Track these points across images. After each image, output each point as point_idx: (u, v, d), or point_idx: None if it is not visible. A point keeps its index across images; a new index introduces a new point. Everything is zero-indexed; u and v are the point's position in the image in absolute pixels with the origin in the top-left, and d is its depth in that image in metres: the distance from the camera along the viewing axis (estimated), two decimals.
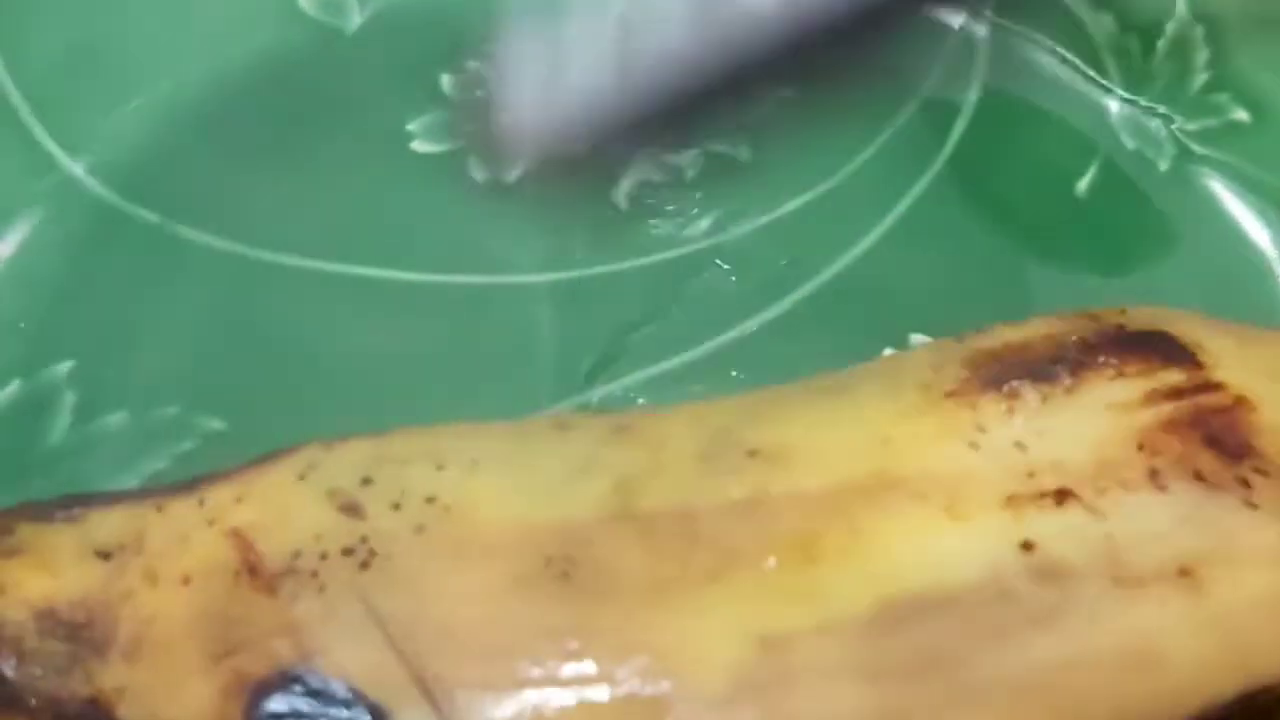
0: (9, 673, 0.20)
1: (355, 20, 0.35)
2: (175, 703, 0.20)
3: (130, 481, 0.29)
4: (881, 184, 0.32)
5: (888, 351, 0.29)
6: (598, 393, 0.29)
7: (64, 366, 0.30)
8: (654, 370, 0.30)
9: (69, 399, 0.30)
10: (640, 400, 0.29)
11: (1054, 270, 0.31)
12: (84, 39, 0.34)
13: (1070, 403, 0.22)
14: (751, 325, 0.30)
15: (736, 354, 0.30)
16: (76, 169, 0.33)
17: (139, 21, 0.34)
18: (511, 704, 0.19)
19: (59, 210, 0.32)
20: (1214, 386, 0.22)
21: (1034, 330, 0.23)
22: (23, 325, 0.31)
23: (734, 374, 0.30)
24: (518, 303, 0.31)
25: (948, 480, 0.21)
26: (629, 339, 0.30)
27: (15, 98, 0.33)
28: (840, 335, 0.30)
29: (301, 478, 0.22)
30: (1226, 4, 0.33)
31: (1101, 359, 0.22)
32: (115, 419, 0.30)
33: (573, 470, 0.22)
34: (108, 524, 0.22)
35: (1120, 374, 0.22)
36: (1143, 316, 0.23)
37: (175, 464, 0.29)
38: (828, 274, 0.31)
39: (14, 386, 0.30)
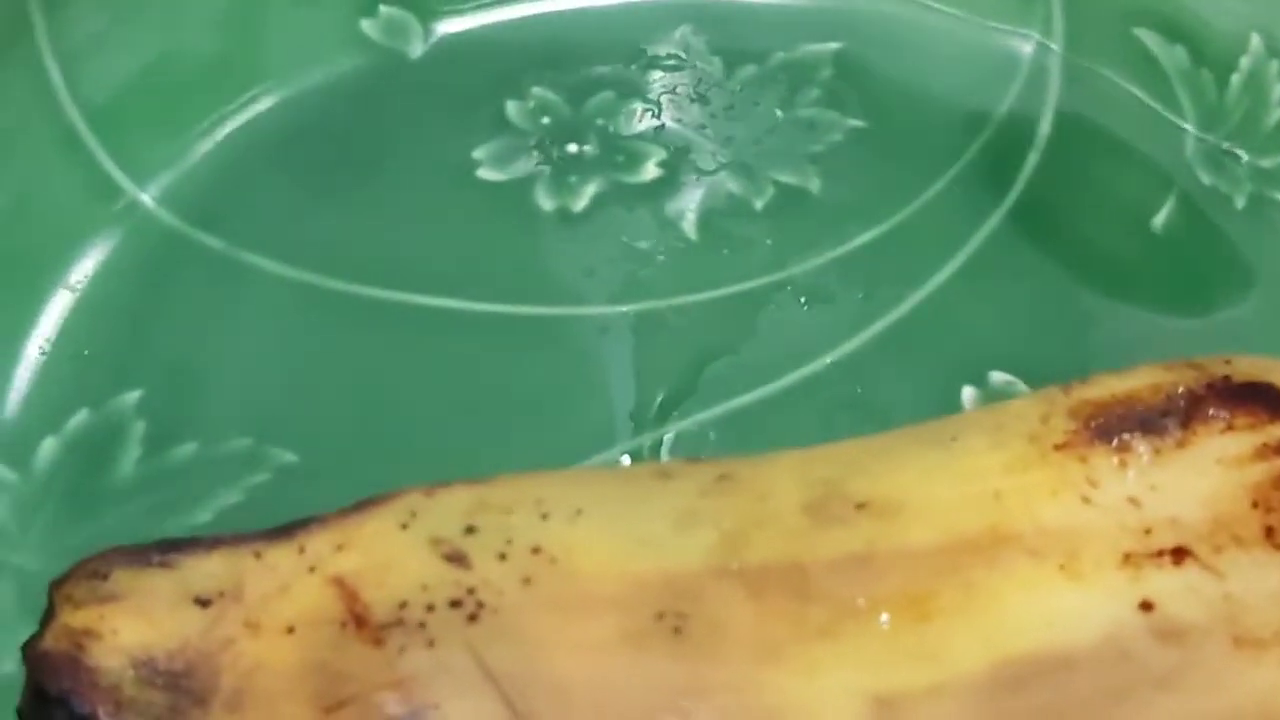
0: None
1: (419, 47, 0.35)
2: None
3: (203, 515, 0.28)
4: (954, 217, 0.32)
5: (967, 389, 0.29)
6: (671, 429, 0.29)
7: (133, 396, 0.30)
8: (728, 406, 0.30)
9: (138, 429, 0.30)
10: (713, 436, 0.29)
11: (1130, 306, 0.31)
12: (149, 65, 0.33)
13: (1181, 457, 0.21)
14: (826, 360, 0.30)
15: (811, 390, 0.30)
16: (144, 197, 0.33)
17: (204, 48, 0.34)
18: None
19: (126, 238, 0.32)
20: None
21: (1139, 380, 0.23)
22: (87, 353, 0.31)
23: (811, 410, 0.29)
24: (588, 335, 0.31)
25: (1062, 537, 0.21)
26: (702, 373, 0.30)
27: (81, 126, 0.33)
28: (918, 371, 0.30)
29: (404, 526, 0.21)
30: None
31: (1211, 411, 0.22)
32: (186, 450, 0.29)
33: (678, 520, 0.21)
34: (205, 570, 0.21)
35: (1230, 427, 0.22)
36: (1247, 366, 0.23)
37: (248, 496, 0.29)
38: (903, 309, 0.31)
39: (82, 415, 0.30)
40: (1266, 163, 0.32)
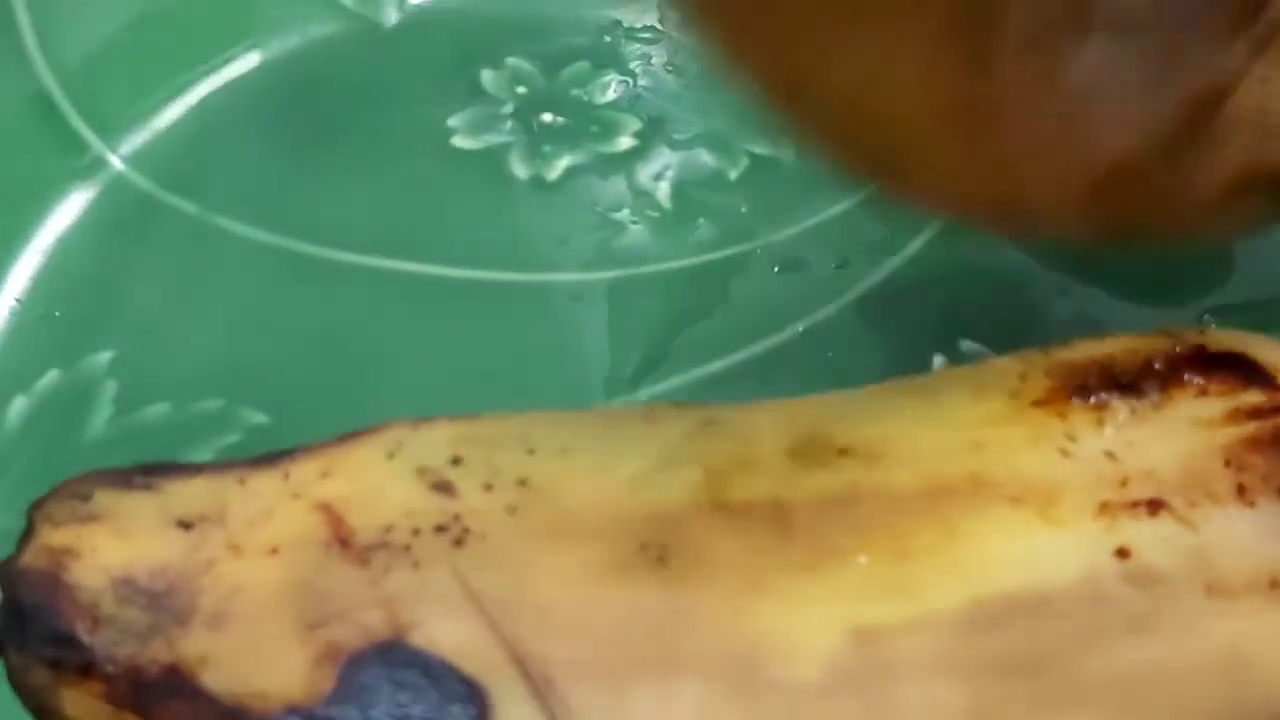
0: (85, 639, 0.20)
1: (393, 15, 0.35)
2: (264, 671, 0.19)
3: None
4: None
5: (939, 358, 0.30)
6: (643, 394, 0.29)
7: (104, 356, 0.30)
8: (701, 372, 0.30)
9: (110, 389, 0.30)
10: (687, 401, 0.29)
11: (1104, 278, 0.31)
12: (123, 28, 0.34)
13: (1158, 417, 0.22)
14: (799, 327, 0.30)
15: (785, 357, 0.30)
16: (116, 159, 0.33)
17: (179, 11, 0.34)
18: (609, 687, 0.19)
19: (99, 200, 0.32)
20: None
21: (1116, 346, 0.23)
22: (58, 314, 0.30)
23: (783, 378, 0.29)
24: (562, 301, 0.31)
25: (1041, 485, 0.21)
26: (675, 340, 0.30)
27: (53, 88, 0.33)
28: (890, 340, 0.30)
29: (390, 455, 0.21)
30: None
31: (1186, 376, 0.23)
32: (157, 410, 0.29)
33: (663, 459, 0.22)
34: (188, 494, 0.21)
35: (1204, 392, 0.22)
36: (1221, 337, 0.23)
37: (219, 457, 0.28)
38: (875, 278, 0.31)
39: (52, 375, 0.30)
40: None
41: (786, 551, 0.20)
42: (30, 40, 0.33)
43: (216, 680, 0.19)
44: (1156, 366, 0.23)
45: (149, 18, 0.34)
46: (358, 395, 0.29)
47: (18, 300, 0.31)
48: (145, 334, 0.30)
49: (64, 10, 0.33)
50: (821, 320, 0.30)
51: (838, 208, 0.32)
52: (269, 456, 0.22)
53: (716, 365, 0.30)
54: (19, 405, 0.29)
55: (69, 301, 0.30)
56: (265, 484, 0.21)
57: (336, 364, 0.30)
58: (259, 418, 0.29)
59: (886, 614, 0.20)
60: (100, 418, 0.29)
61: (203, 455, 0.29)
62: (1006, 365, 0.23)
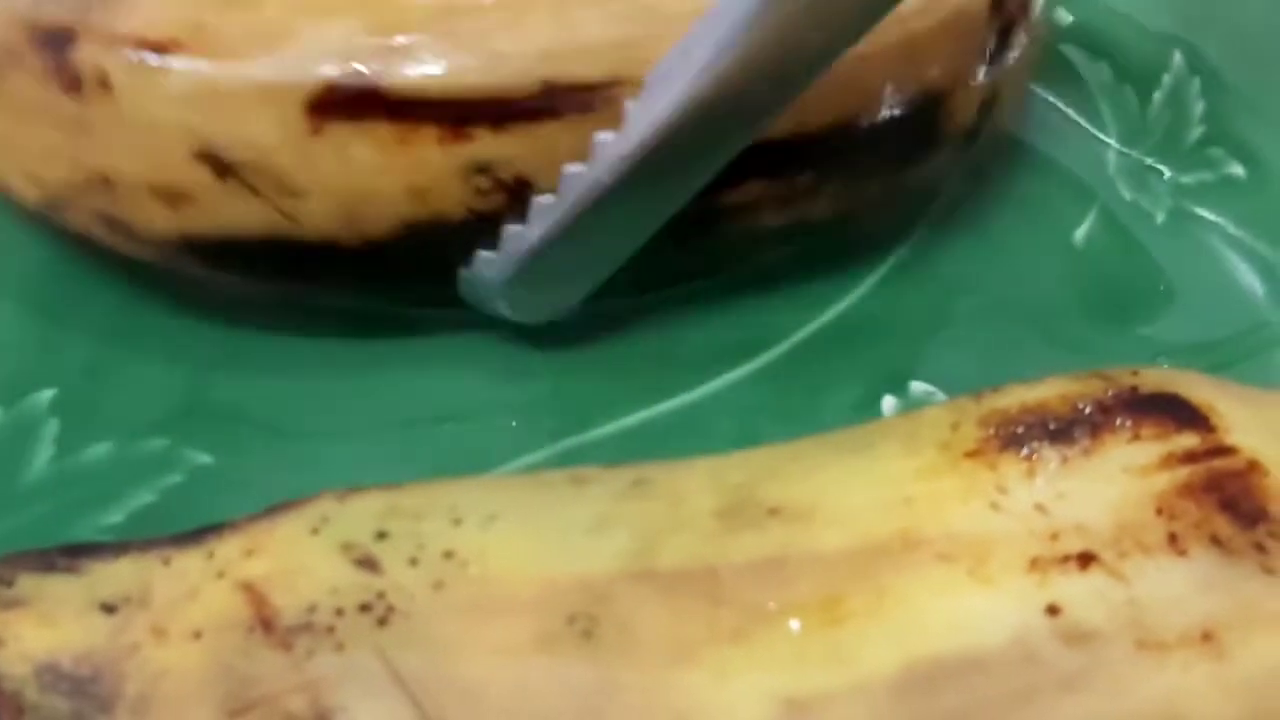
0: None
1: None
2: None
3: (116, 516, 0.28)
4: (878, 228, 0.32)
5: (888, 399, 0.29)
6: (590, 435, 0.29)
7: (46, 394, 0.30)
8: (649, 413, 0.30)
9: (51, 427, 0.29)
10: (633, 442, 0.29)
11: (1050, 317, 0.31)
12: None
13: (1089, 465, 0.22)
14: (746, 370, 0.30)
15: (733, 396, 0.30)
16: None
17: None
18: None
19: (40, 234, 0.32)
20: (1227, 450, 0.22)
21: (1048, 390, 0.23)
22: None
23: (730, 417, 0.29)
24: (482, 353, 0.31)
25: (971, 542, 0.21)
26: (622, 380, 0.30)
27: None
28: (839, 380, 0.30)
29: (315, 531, 0.21)
30: (1222, 58, 0.33)
31: (1118, 421, 0.22)
32: (99, 449, 0.29)
33: (591, 525, 0.21)
34: (112, 576, 0.21)
35: (1136, 437, 0.22)
36: (1154, 378, 0.23)
37: (162, 498, 0.28)
38: (825, 318, 0.31)
39: None
40: (1187, 179, 0.33)
41: (716, 619, 0.20)
42: None
43: None
44: (1088, 411, 0.22)
45: None
46: (301, 433, 0.29)
47: None
48: (88, 372, 0.30)
49: None
50: (771, 360, 0.30)
51: (787, 249, 0.31)
52: (196, 533, 0.22)
53: (665, 405, 0.29)
54: None
55: (10, 339, 0.30)
56: (189, 563, 0.21)
57: (278, 406, 0.30)
58: (203, 458, 0.29)
59: (818, 682, 0.20)
60: (42, 457, 0.29)
61: (146, 496, 0.28)
62: (939, 414, 0.23)
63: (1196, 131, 0.33)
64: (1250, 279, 0.32)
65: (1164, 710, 0.20)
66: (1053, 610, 0.20)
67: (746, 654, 0.20)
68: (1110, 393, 0.23)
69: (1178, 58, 0.33)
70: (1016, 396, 0.23)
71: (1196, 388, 0.23)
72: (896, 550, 0.21)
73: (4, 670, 0.20)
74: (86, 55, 0.25)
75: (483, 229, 0.26)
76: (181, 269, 0.28)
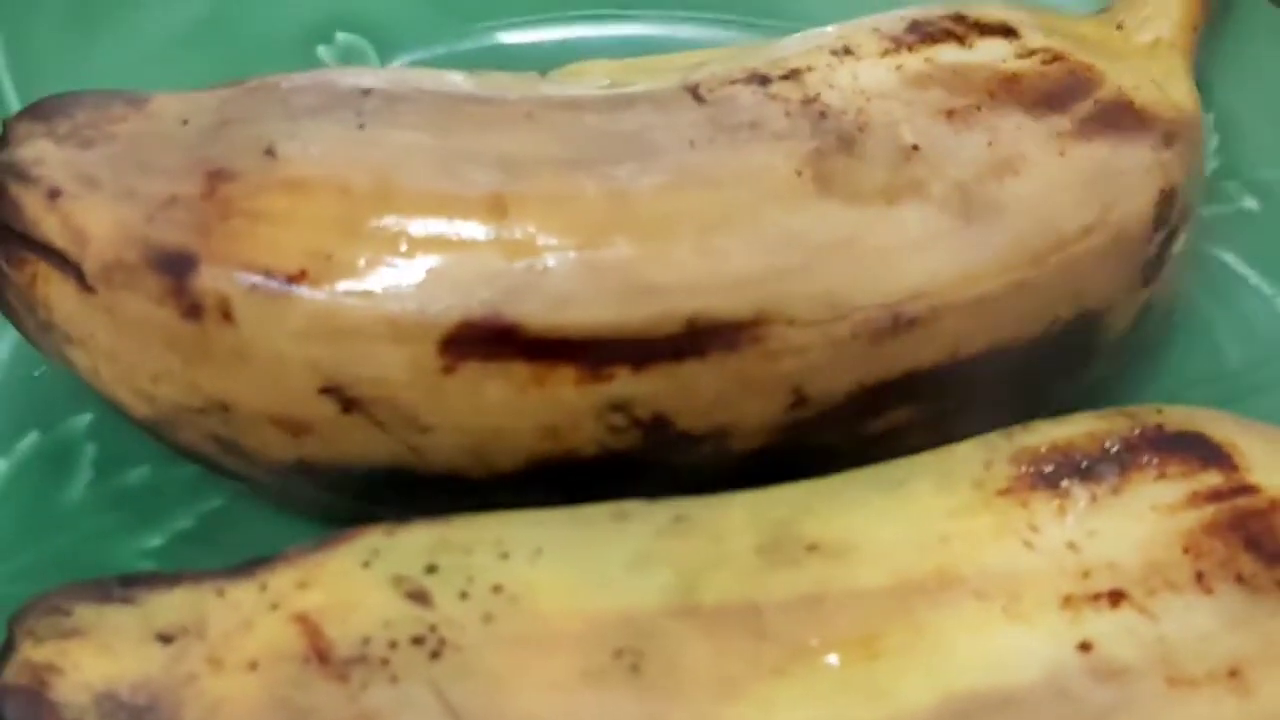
0: None
1: None
2: None
3: (155, 539, 0.29)
4: None
5: None
6: None
7: (84, 419, 0.30)
8: None
9: (89, 451, 0.30)
10: None
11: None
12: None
13: (1118, 503, 0.22)
14: None
15: None
16: None
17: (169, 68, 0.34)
18: None
19: None
20: (1250, 489, 0.23)
21: (1075, 428, 0.24)
22: (37, 374, 0.31)
23: None
24: None
25: (1005, 579, 0.21)
26: None
27: None
28: None
29: (366, 564, 0.22)
30: (1235, 93, 0.34)
31: (1144, 459, 0.23)
32: (137, 474, 0.29)
33: (634, 561, 0.22)
34: (167, 607, 0.22)
35: (1162, 475, 0.23)
36: (1178, 417, 0.24)
37: (201, 523, 0.29)
38: None
39: (32, 438, 0.30)
40: (1203, 212, 0.33)
41: (758, 654, 0.21)
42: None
43: None
44: (1115, 450, 0.23)
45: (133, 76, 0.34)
46: None
47: (1, 361, 0.31)
48: None
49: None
50: None
51: None
52: (247, 565, 0.22)
53: None
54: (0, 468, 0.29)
55: (51, 362, 0.30)
56: (243, 595, 0.22)
57: None
58: (239, 482, 0.29)
59: (858, 716, 0.20)
60: (80, 481, 0.29)
61: (184, 521, 0.29)
62: (971, 451, 0.24)
63: (1211, 165, 0.34)
64: (1263, 311, 0.32)
65: None
66: (1085, 647, 0.21)
67: (789, 689, 0.20)
68: (1136, 431, 0.23)
69: None
70: (1045, 434, 0.24)
71: (1219, 426, 0.24)
72: (933, 588, 0.21)
73: (65, 699, 0.21)
74: (208, 282, 0.24)
75: (614, 463, 0.25)
76: (293, 489, 0.27)
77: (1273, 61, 0.34)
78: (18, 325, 0.27)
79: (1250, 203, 0.33)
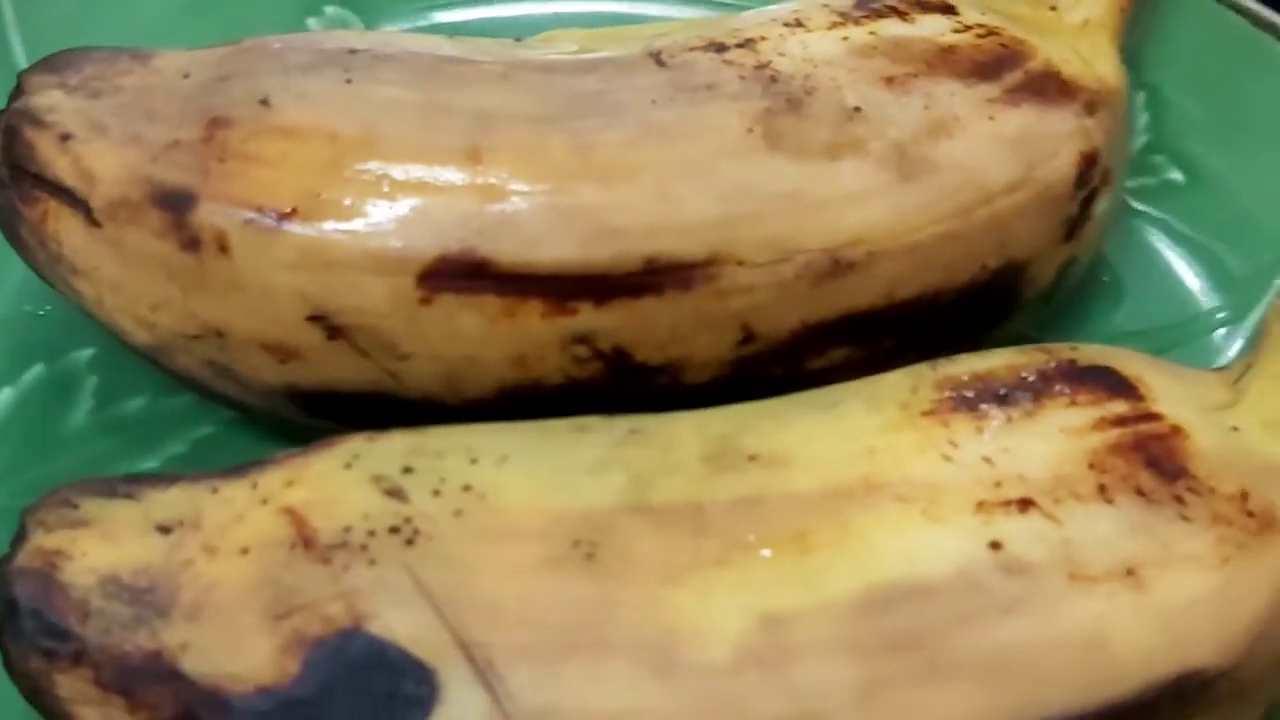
0: (76, 630, 0.22)
1: None
2: (237, 657, 0.22)
3: (150, 464, 0.31)
4: None
5: None
6: None
7: (86, 353, 0.32)
8: None
9: (90, 382, 0.32)
10: None
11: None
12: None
13: (1030, 425, 0.25)
14: None
15: None
16: None
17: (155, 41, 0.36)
18: (543, 668, 0.22)
19: None
20: (1154, 416, 0.25)
21: (997, 360, 0.26)
22: (42, 313, 0.33)
23: None
24: None
25: (925, 487, 0.24)
26: None
27: None
28: None
29: (347, 466, 0.24)
30: (1164, 73, 0.36)
31: (1057, 388, 0.25)
32: (134, 403, 0.32)
33: (593, 465, 0.24)
34: (166, 502, 0.24)
35: (1073, 402, 0.25)
36: (1091, 353, 0.26)
37: (193, 449, 0.31)
38: None
39: (38, 369, 0.32)
40: (1132, 183, 0.36)
41: (701, 548, 0.23)
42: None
43: (195, 665, 0.22)
44: (1031, 379, 0.25)
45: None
46: None
47: (8, 299, 0.33)
48: None
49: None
50: None
51: None
52: (239, 467, 0.24)
53: None
54: (6, 396, 0.31)
55: (56, 300, 0.32)
56: (236, 492, 0.24)
57: None
58: (229, 411, 0.31)
59: (789, 602, 0.22)
60: (81, 409, 0.32)
61: (178, 446, 0.31)
62: (899, 379, 0.26)
63: (1141, 140, 0.36)
64: (1186, 272, 0.35)
65: (1091, 633, 0.23)
66: (995, 546, 0.23)
67: (727, 577, 0.23)
68: (1052, 364, 0.26)
69: (1125, 71, 0.36)
70: (968, 365, 0.26)
71: (1129, 362, 0.26)
72: (859, 493, 0.24)
73: (73, 580, 0.23)
74: (206, 217, 0.26)
75: (578, 392, 0.28)
76: (280, 412, 0.29)
77: (1199, 42, 0.36)
78: (28, 259, 0.29)
79: (1176, 175, 0.36)
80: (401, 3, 0.39)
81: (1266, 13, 0.35)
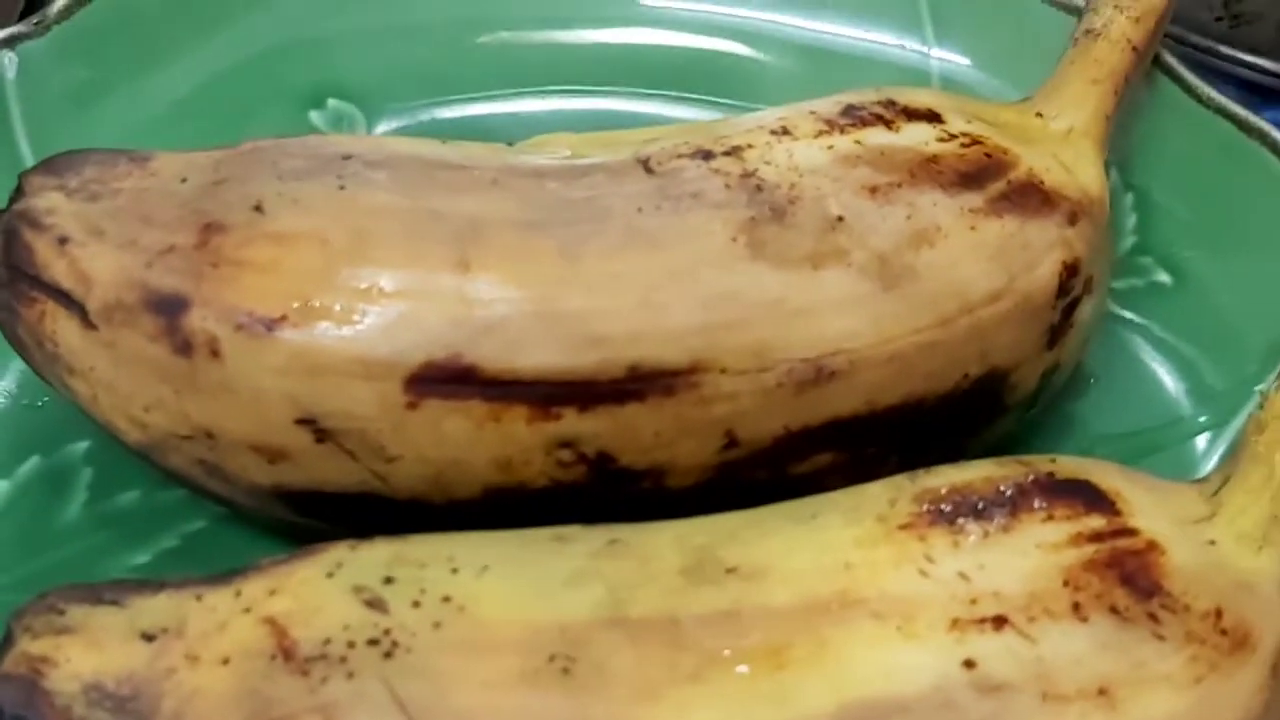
0: None
1: None
2: None
3: (143, 558, 0.31)
4: None
5: None
6: None
7: (81, 445, 0.33)
8: None
9: (86, 475, 0.32)
10: None
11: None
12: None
13: (1007, 540, 0.25)
14: None
15: None
16: None
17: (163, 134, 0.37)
18: None
19: None
20: (1130, 532, 0.25)
21: (974, 473, 0.26)
22: (40, 404, 0.33)
23: None
24: None
25: (901, 603, 0.24)
26: None
27: None
28: None
29: (330, 575, 0.24)
30: (1152, 176, 0.37)
31: (1034, 502, 0.26)
32: (128, 497, 0.32)
33: (570, 578, 0.24)
34: (151, 609, 0.24)
35: (1050, 517, 0.25)
36: (1069, 466, 0.27)
37: (185, 542, 0.31)
38: None
39: (34, 461, 0.32)
40: (1119, 284, 0.36)
41: (677, 663, 0.23)
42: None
43: None
44: (1008, 493, 0.26)
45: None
46: None
47: (7, 391, 0.33)
48: None
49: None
50: None
51: None
52: (224, 574, 0.25)
53: None
54: (2, 489, 0.32)
55: (52, 392, 0.33)
56: (219, 600, 0.24)
57: None
58: (221, 506, 0.32)
59: (762, 719, 0.23)
60: (76, 502, 0.32)
61: (170, 540, 0.32)
62: (878, 490, 0.26)
63: (1129, 241, 0.37)
64: (1170, 377, 0.35)
65: None
66: (969, 664, 0.23)
67: (703, 693, 0.23)
68: (1029, 478, 0.26)
69: (1113, 173, 0.36)
70: (947, 477, 0.26)
71: (1106, 476, 0.26)
72: (836, 608, 0.24)
73: (57, 688, 0.23)
74: (198, 322, 0.27)
75: (562, 495, 0.28)
76: (269, 511, 0.30)
77: (1186, 147, 0.36)
78: (25, 357, 0.29)
79: (1163, 277, 0.36)
80: (402, 98, 0.39)
81: (1255, 119, 0.35)
